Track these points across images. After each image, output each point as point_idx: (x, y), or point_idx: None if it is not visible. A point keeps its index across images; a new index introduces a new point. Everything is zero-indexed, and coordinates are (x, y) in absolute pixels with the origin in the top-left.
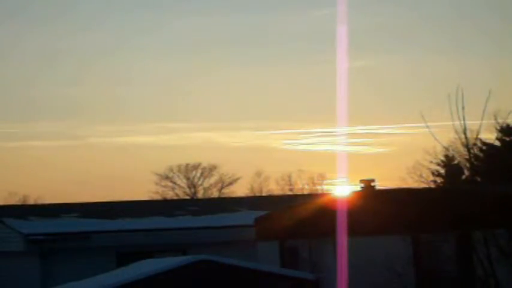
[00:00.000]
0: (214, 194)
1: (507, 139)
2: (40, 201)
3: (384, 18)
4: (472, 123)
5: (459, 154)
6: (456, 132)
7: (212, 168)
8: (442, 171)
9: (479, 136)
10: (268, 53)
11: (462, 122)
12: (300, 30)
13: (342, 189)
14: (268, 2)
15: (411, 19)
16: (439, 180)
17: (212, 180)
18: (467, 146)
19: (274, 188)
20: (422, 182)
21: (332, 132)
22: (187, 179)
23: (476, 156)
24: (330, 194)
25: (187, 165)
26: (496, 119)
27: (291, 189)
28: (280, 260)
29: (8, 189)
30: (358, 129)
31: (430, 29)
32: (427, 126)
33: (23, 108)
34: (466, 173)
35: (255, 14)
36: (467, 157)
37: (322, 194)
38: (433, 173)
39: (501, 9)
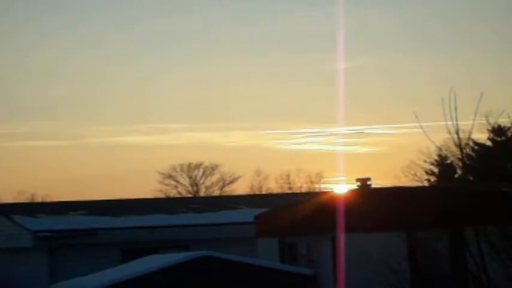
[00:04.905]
0: (216, 192)
1: (498, 139)
2: (48, 199)
3: (377, 19)
4: (464, 124)
5: (452, 154)
6: (449, 132)
7: (214, 168)
8: (436, 170)
9: (471, 136)
10: (258, 54)
11: (455, 122)
12: (292, 32)
13: (339, 187)
14: (258, 4)
15: (406, 20)
16: (432, 179)
17: (214, 178)
18: (459, 146)
19: (273, 186)
20: (417, 180)
21: (322, 132)
22: (190, 177)
23: (468, 156)
24: (328, 192)
25: (189, 164)
26: (487, 119)
27: (289, 188)
28: (280, 256)
29: (16, 188)
30: (353, 129)
31: (424, 30)
32: (421, 127)
33: (24, 108)
34: (459, 172)
35: (248, 15)
36: (459, 157)
37: (320, 193)
38: (426, 172)
39: (495, 12)
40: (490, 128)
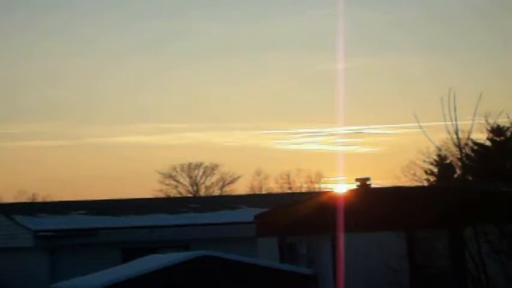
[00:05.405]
0: (216, 192)
1: (497, 139)
2: (48, 199)
3: (377, 20)
4: (463, 124)
5: (451, 154)
6: (448, 132)
7: (214, 168)
8: (435, 170)
9: (470, 136)
10: (258, 54)
11: (454, 122)
12: (292, 32)
13: (338, 187)
14: (258, 4)
15: (405, 20)
16: (432, 178)
17: (214, 178)
18: (459, 146)
19: (273, 186)
20: (416, 180)
21: (321, 132)
22: (190, 177)
23: (467, 156)
24: (327, 192)
25: (189, 164)
26: (487, 119)
27: (289, 188)
28: (280, 255)
29: (17, 187)
30: (352, 129)
31: (424, 30)
32: (420, 127)
33: (25, 108)
34: (458, 171)
35: (248, 15)
36: (459, 156)
37: (320, 192)
38: (426, 172)
39: (494, 13)
40: (489, 128)
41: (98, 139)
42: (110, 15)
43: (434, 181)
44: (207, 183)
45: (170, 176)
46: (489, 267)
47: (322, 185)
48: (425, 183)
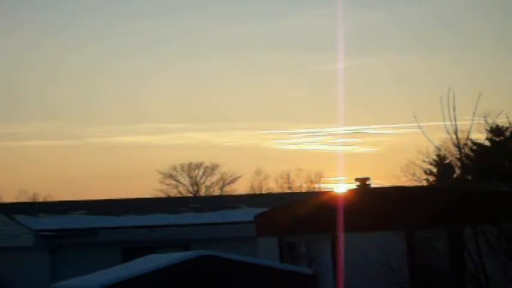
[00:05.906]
0: (216, 192)
1: (496, 139)
2: (49, 199)
3: (376, 20)
4: (463, 124)
5: (451, 153)
6: (448, 132)
7: (214, 167)
8: (434, 170)
9: (470, 136)
10: (257, 54)
11: (453, 122)
12: (292, 32)
13: (338, 187)
14: (258, 4)
15: (404, 20)
16: (431, 178)
17: (214, 178)
18: (458, 145)
19: (273, 186)
20: (416, 180)
21: (320, 132)
22: (190, 177)
23: (467, 156)
24: (327, 192)
25: (190, 164)
26: (486, 119)
27: (289, 188)
28: (279, 255)
29: (17, 187)
30: (351, 129)
31: (423, 30)
32: (420, 127)
33: (25, 108)
34: (458, 171)
35: (248, 15)
36: (458, 156)
37: (320, 192)
38: (425, 172)
39: (493, 13)
40: (488, 128)
41: (98, 139)
42: (110, 15)
43: (433, 181)
44: (207, 183)
45: (170, 176)
46: (488, 267)
47: (322, 185)
48: (425, 183)
